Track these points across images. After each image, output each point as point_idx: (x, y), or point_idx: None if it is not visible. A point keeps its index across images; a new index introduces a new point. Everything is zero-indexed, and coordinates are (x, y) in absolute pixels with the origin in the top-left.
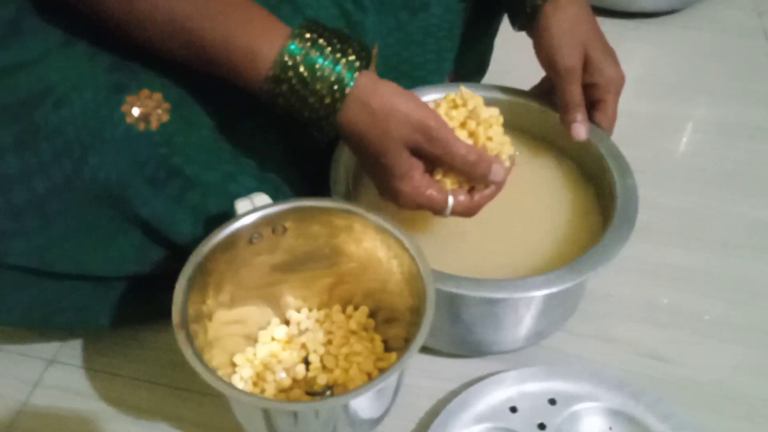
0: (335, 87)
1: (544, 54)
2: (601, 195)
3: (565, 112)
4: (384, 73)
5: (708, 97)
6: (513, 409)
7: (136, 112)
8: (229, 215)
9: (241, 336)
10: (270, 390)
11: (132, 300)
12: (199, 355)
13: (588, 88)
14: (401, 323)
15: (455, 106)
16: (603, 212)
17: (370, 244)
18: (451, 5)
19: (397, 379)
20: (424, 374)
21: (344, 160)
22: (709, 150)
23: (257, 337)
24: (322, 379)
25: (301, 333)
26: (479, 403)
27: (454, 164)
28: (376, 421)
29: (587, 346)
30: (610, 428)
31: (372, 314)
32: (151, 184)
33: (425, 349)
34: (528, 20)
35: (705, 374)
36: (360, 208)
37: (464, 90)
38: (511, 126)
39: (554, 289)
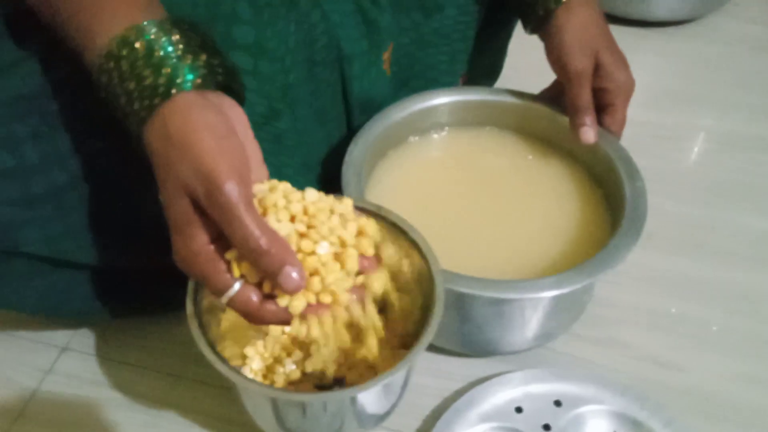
0: (161, 83)
1: (555, 57)
2: (610, 198)
3: (574, 115)
4: (397, 73)
5: (718, 109)
6: (518, 410)
7: None
8: None
9: (252, 329)
10: (279, 383)
11: (146, 292)
12: (212, 344)
13: (598, 93)
14: (411, 322)
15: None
16: (612, 215)
17: (382, 242)
18: (465, 8)
19: (404, 375)
20: (431, 373)
21: (356, 162)
22: (717, 161)
23: (268, 331)
24: (331, 374)
25: None
26: (485, 402)
27: (234, 241)
28: (383, 417)
29: (593, 351)
30: (615, 431)
31: (381, 311)
32: None
33: (433, 348)
34: (540, 23)
35: (708, 382)
36: (371, 205)
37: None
38: (521, 130)
39: (564, 290)
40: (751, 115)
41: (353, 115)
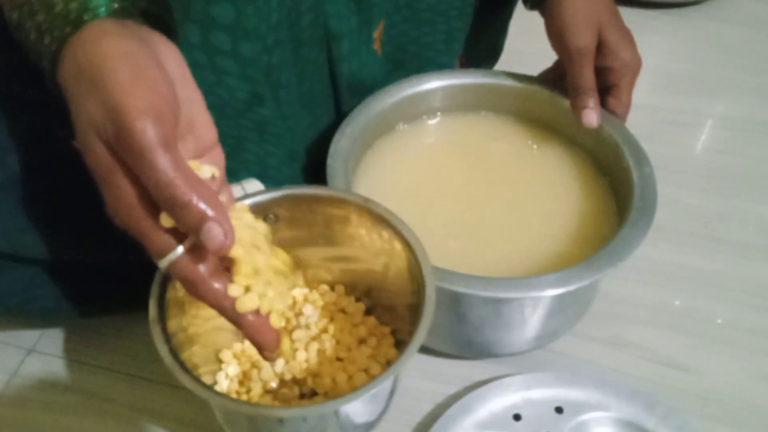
0: (72, 8)
1: (555, 34)
2: (616, 187)
3: (575, 97)
4: (389, 53)
5: (730, 93)
6: (517, 417)
7: None
8: None
9: (229, 331)
10: (257, 390)
11: (114, 290)
12: (175, 353)
13: (601, 72)
14: (400, 321)
15: None
16: (618, 205)
17: (367, 236)
18: None
19: (392, 382)
20: (424, 376)
21: (342, 152)
22: (729, 147)
23: None
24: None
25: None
26: (481, 408)
27: (150, 190)
28: (370, 425)
29: (598, 351)
30: None
31: (369, 311)
32: None
33: (426, 350)
34: None
35: (721, 383)
36: (357, 197)
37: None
38: (519, 114)
39: (568, 288)
40: (767, 101)
41: (342, 100)
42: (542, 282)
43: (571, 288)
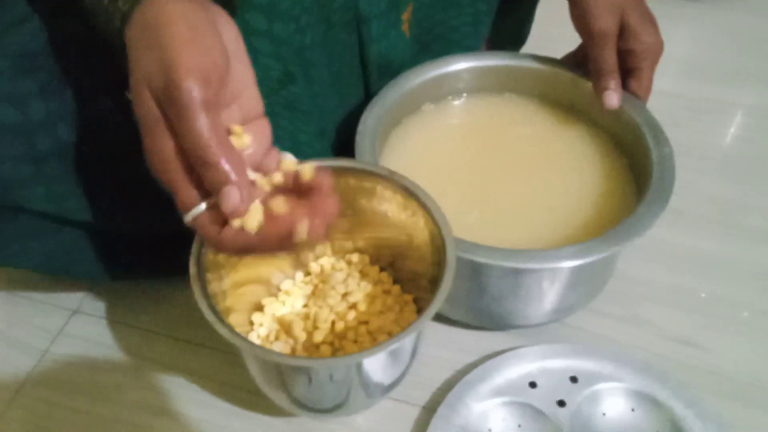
0: None
1: (579, 16)
2: (636, 166)
3: (597, 78)
4: (417, 35)
5: (754, 82)
6: (532, 385)
7: None
8: None
9: (262, 295)
10: (287, 351)
11: (154, 255)
12: (214, 308)
13: (623, 55)
14: (422, 292)
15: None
16: (637, 184)
17: (393, 208)
18: None
19: (412, 342)
20: (443, 345)
21: (370, 131)
22: (755, 138)
23: (278, 296)
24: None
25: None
26: (498, 376)
27: (184, 146)
28: (390, 387)
29: (613, 327)
30: (633, 410)
31: (393, 281)
32: None
33: (446, 320)
34: None
35: (734, 363)
36: (383, 169)
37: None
38: (542, 96)
39: (586, 260)
40: None
41: (371, 80)
42: (560, 254)
43: (587, 260)
